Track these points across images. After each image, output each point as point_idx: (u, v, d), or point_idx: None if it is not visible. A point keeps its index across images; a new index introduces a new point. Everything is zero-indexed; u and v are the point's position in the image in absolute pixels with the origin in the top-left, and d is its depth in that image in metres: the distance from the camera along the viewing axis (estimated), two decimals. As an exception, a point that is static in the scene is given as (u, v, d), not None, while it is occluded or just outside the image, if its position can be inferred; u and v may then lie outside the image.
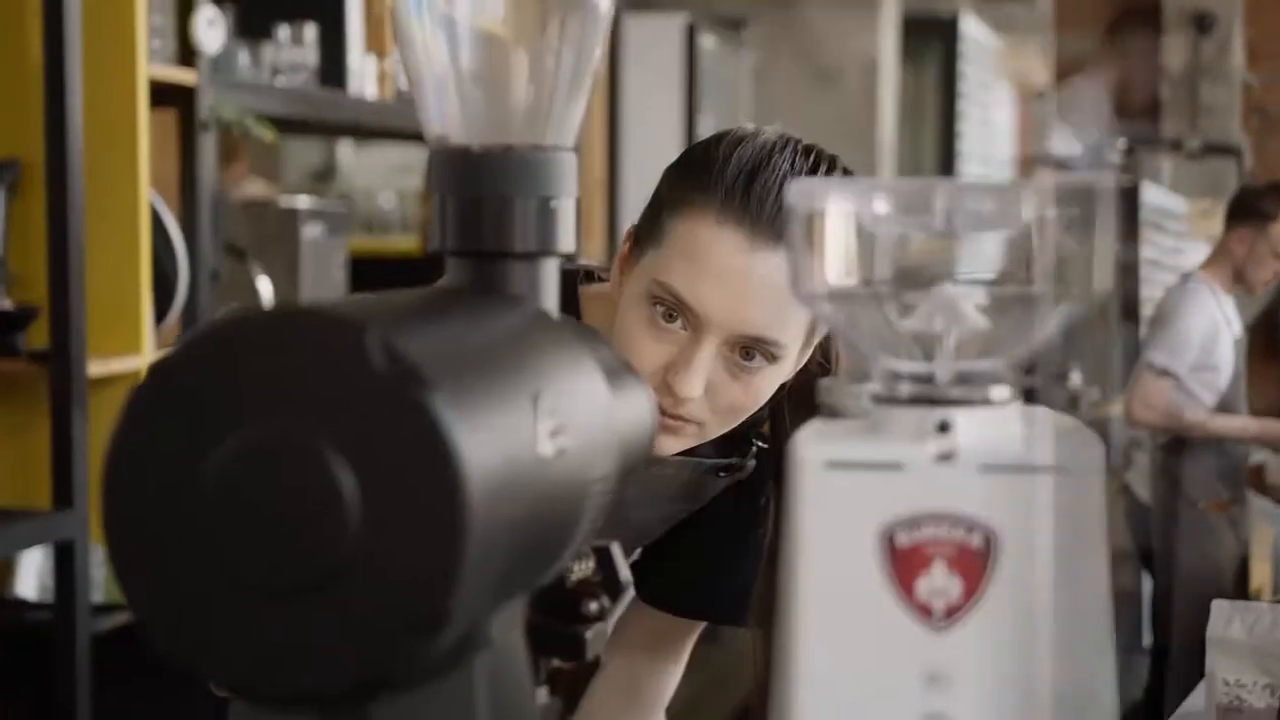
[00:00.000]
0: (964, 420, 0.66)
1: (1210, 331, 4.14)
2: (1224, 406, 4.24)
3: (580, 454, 0.69)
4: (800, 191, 0.67)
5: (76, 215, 2.25)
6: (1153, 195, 7.02)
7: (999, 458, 0.65)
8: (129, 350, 2.40)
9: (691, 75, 4.62)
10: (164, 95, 2.53)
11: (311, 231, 2.98)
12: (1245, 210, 4.24)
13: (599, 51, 0.79)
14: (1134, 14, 4.31)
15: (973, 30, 7.39)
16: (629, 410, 0.79)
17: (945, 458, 0.65)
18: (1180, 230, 7.52)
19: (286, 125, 3.08)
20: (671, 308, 1.21)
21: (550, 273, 0.77)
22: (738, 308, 1.20)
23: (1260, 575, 4.38)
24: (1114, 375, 6.47)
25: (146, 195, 2.41)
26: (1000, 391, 0.67)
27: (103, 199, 2.37)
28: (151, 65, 2.45)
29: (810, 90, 5.31)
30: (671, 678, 1.49)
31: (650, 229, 1.25)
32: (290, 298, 2.85)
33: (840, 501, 0.66)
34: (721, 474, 1.38)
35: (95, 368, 2.31)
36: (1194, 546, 4.15)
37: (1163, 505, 4.36)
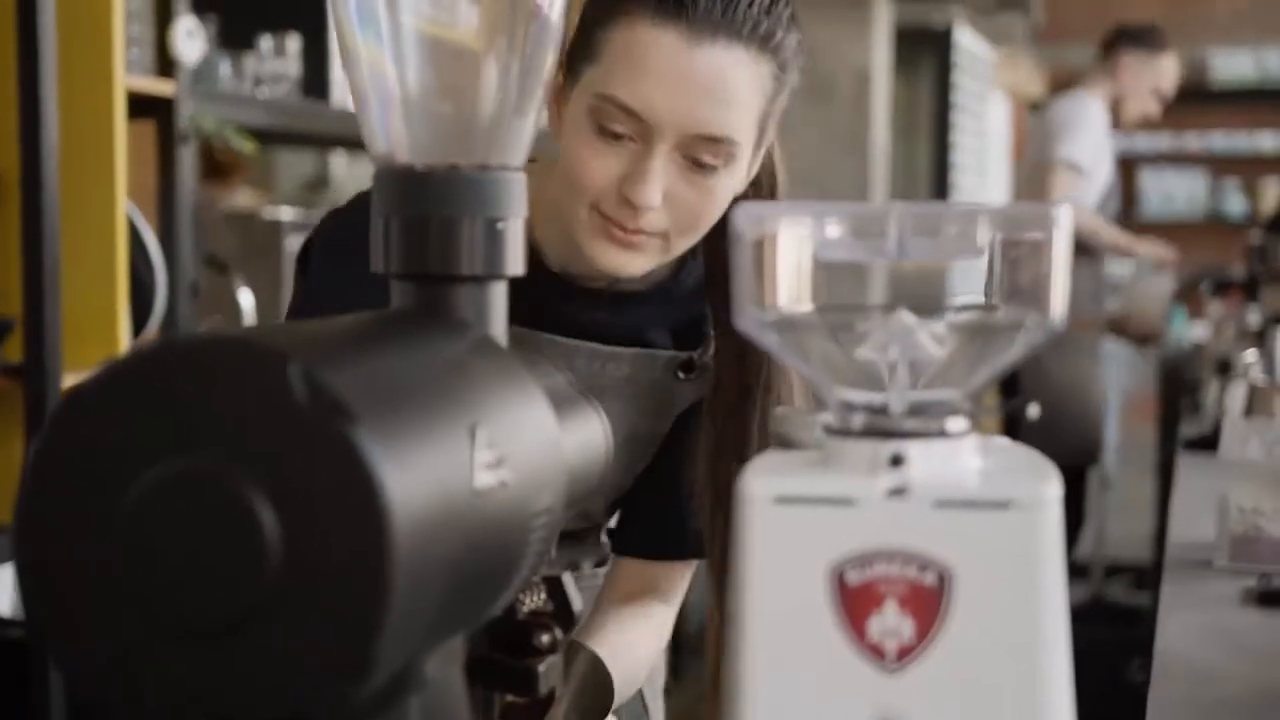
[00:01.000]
0: (918, 453, 0.64)
1: (1102, 133, 4.27)
2: (1099, 213, 4.36)
3: (523, 486, 0.66)
4: (748, 216, 0.65)
5: (52, 227, 2.23)
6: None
7: (953, 493, 0.63)
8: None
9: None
10: (143, 106, 2.50)
11: (295, 243, 2.95)
12: (1135, 39, 4.38)
13: (550, 66, 0.77)
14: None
15: (967, 41, 7.37)
16: (578, 437, 0.76)
17: (897, 493, 0.63)
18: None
19: (269, 136, 3.05)
20: (617, 119, 1.18)
21: (499, 296, 0.74)
22: (686, 107, 1.17)
23: None
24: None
25: (124, 207, 2.38)
26: (956, 423, 0.65)
27: (79, 211, 2.34)
28: (130, 76, 2.42)
29: (803, 101, 5.27)
30: (666, 622, 1.43)
31: (582, 48, 1.22)
32: (273, 310, 2.83)
33: (789, 538, 0.63)
34: (681, 374, 1.36)
35: (71, 381, 2.28)
36: (1066, 363, 4.17)
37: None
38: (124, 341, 2.39)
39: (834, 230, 0.65)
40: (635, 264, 1.23)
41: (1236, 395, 2.81)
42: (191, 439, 0.56)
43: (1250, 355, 2.96)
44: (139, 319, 2.47)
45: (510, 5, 0.75)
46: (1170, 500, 2.43)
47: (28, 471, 0.57)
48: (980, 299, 0.66)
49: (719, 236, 1.25)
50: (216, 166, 3.48)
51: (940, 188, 7.24)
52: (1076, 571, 5.28)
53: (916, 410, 0.65)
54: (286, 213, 3.09)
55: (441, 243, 0.72)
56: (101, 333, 2.37)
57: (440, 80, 0.74)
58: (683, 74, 1.17)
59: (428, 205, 0.72)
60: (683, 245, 1.24)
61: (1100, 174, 4.34)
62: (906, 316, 0.65)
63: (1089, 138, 4.25)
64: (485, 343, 0.71)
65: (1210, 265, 9.45)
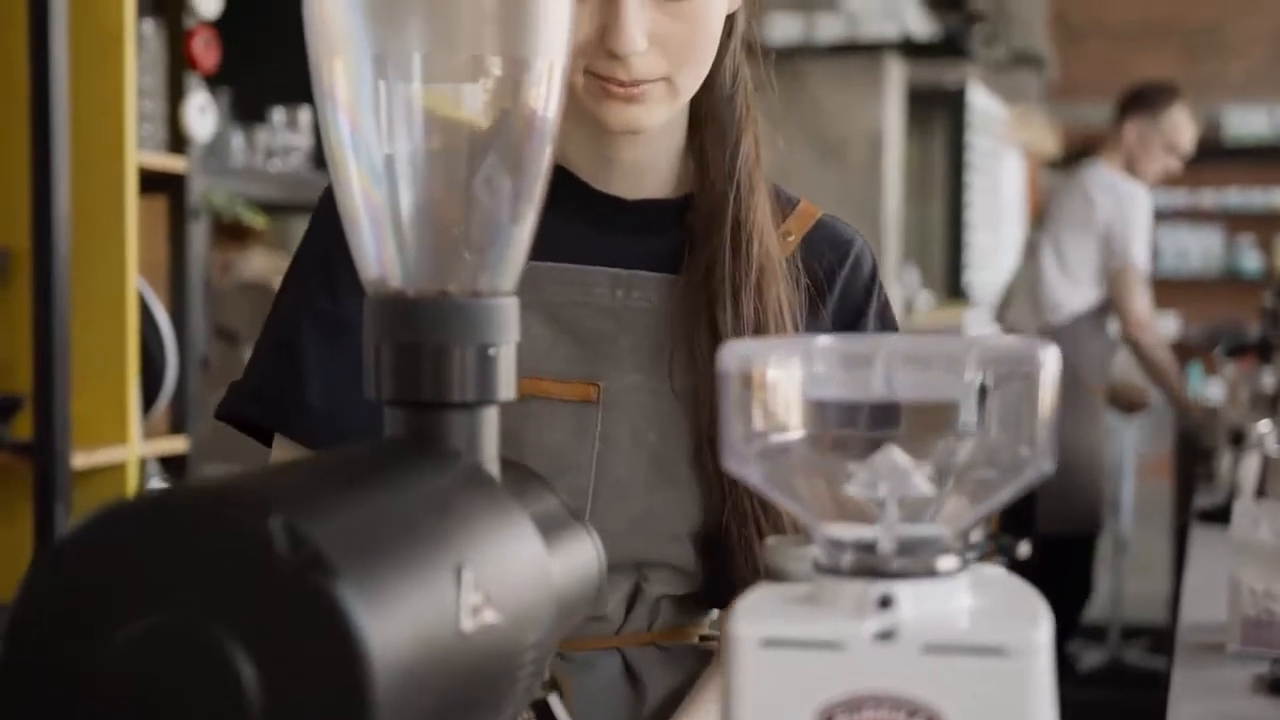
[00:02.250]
0: (907, 594, 0.63)
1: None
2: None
3: (510, 623, 0.66)
4: (734, 353, 0.65)
5: (62, 305, 2.24)
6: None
7: (943, 636, 0.62)
8: (115, 441, 2.38)
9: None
10: (155, 182, 2.52)
11: (306, 314, 2.95)
12: (1138, 102, 4.41)
13: (540, 191, 0.77)
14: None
15: (980, 100, 7.39)
16: (569, 563, 0.76)
17: (886, 636, 0.62)
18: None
19: (281, 207, 3.06)
20: None
21: (490, 422, 0.74)
22: None
23: None
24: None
25: (134, 283, 2.39)
26: (947, 562, 0.64)
27: (90, 287, 2.35)
28: (142, 153, 2.43)
29: (815, 163, 5.30)
30: None
31: None
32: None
33: (777, 681, 0.63)
34: None
35: (80, 459, 2.29)
36: (1077, 430, 4.16)
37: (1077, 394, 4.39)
38: (134, 418, 2.39)
39: (821, 367, 0.65)
40: (647, 116, 1.16)
41: (1250, 467, 2.80)
42: (172, 593, 0.56)
43: (1264, 425, 2.94)
44: (149, 395, 2.47)
45: (504, 117, 0.75)
46: (1184, 572, 2.42)
47: (8, 626, 0.57)
48: (971, 436, 0.66)
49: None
50: (231, 230, 3.50)
51: (954, 247, 7.25)
52: (1093, 634, 5.25)
53: (906, 548, 0.65)
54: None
55: (433, 370, 0.72)
56: (112, 409, 2.38)
57: (433, 205, 0.74)
58: None
59: (419, 332, 0.72)
60: (691, 82, 1.17)
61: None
62: (896, 454, 0.65)
63: (1143, 231, 4.28)
64: (475, 473, 0.71)
65: (1225, 322, 9.46)
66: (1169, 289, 9.96)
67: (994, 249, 8.07)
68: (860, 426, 0.66)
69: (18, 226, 2.29)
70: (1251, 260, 9.87)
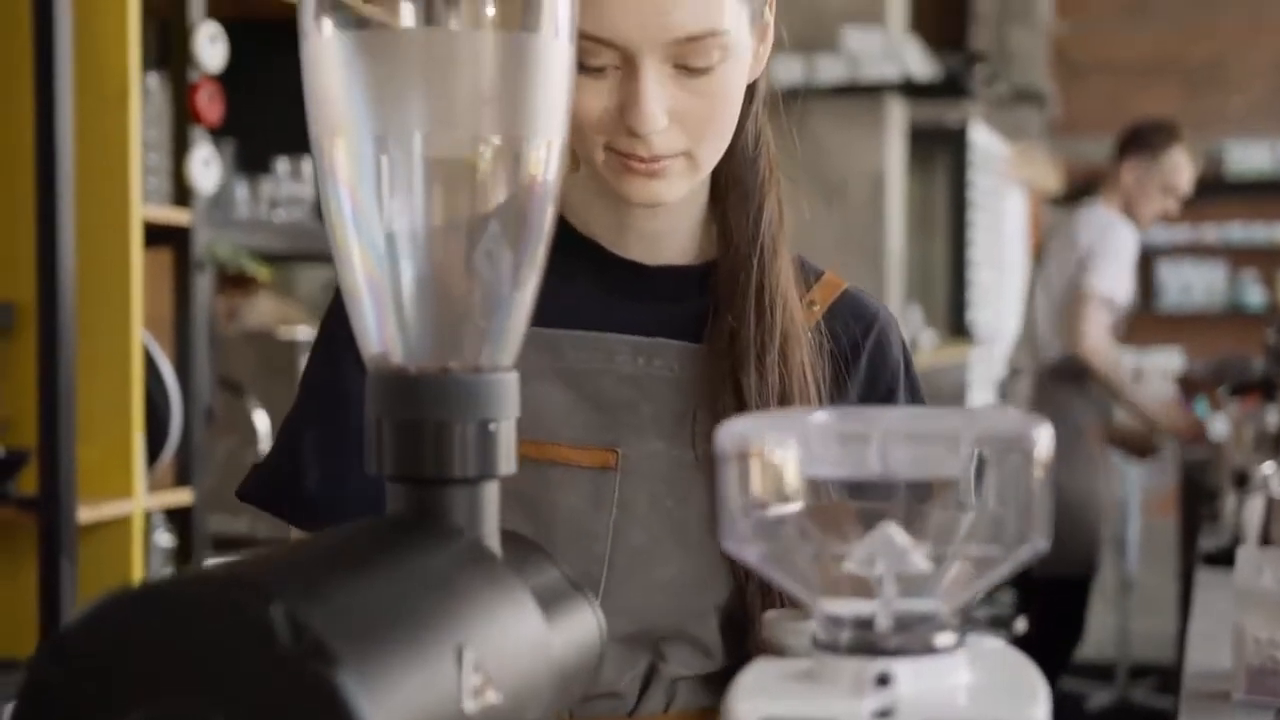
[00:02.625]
0: (905, 671, 0.63)
1: (1131, 268, 4.30)
2: (1113, 329, 4.37)
3: (512, 702, 0.66)
4: (730, 434, 0.65)
5: (68, 360, 2.25)
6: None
7: (942, 714, 0.62)
8: (120, 494, 2.39)
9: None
10: (159, 235, 2.53)
11: (311, 362, 2.96)
12: (1136, 143, 4.40)
13: (540, 262, 0.77)
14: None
15: (982, 138, 7.42)
16: (569, 635, 0.76)
17: (885, 715, 0.62)
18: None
19: (286, 256, 3.08)
20: (593, 53, 1.09)
21: (491, 497, 0.75)
22: (652, 17, 1.08)
23: None
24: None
25: (139, 337, 2.40)
26: (945, 638, 0.65)
27: (95, 341, 2.36)
28: (146, 206, 2.45)
29: (817, 204, 5.30)
30: None
31: None
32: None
33: (777, 759, 0.63)
34: None
35: (86, 513, 2.29)
36: (1071, 473, 4.14)
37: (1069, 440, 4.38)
38: (139, 471, 2.40)
39: (817, 445, 0.65)
40: (668, 191, 1.14)
41: (1255, 509, 2.79)
42: (174, 682, 0.56)
43: (1268, 467, 2.94)
44: (154, 447, 2.48)
45: (505, 193, 0.76)
46: (1189, 616, 2.41)
47: (13, 717, 0.57)
48: (967, 512, 0.66)
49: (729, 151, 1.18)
50: (236, 277, 3.51)
51: (957, 285, 7.26)
52: (1101, 674, 5.24)
53: (903, 624, 0.65)
54: (303, 332, 3.11)
55: (435, 446, 0.73)
56: (117, 463, 2.38)
57: (434, 281, 0.75)
58: None
59: (421, 409, 0.73)
60: (712, 156, 1.16)
61: (1124, 301, 4.37)
62: (893, 530, 0.65)
63: (1125, 269, 4.27)
64: (475, 550, 0.72)
65: (1230, 357, 9.45)
66: (1173, 324, 9.97)
67: (997, 287, 8.08)
68: (857, 502, 0.66)
69: (23, 281, 2.30)
70: (1255, 294, 9.88)
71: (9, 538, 2.34)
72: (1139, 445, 4.73)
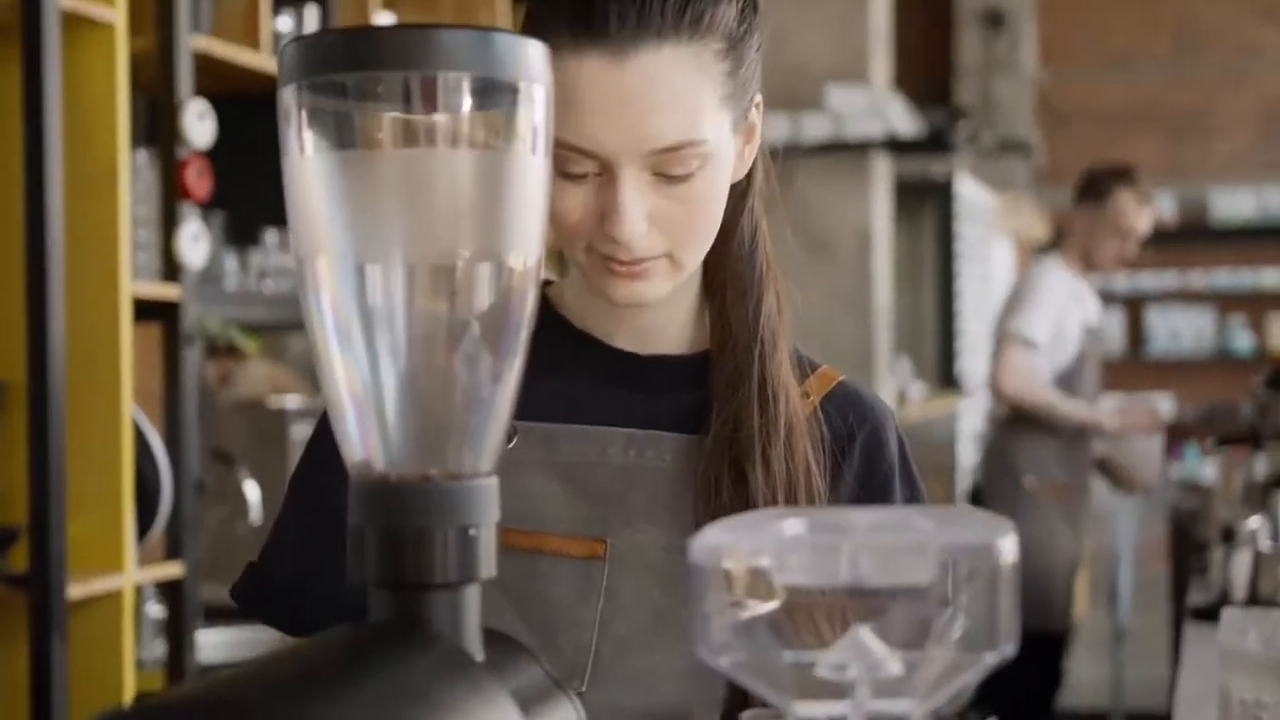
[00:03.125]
0: (878, 775, 0.65)
1: (1063, 307, 4.27)
2: (1061, 387, 4.33)
3: (493, 809, 0.68)
4: (704, 545, 0.67)
5: (58, 437, 2.26)
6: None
7: (913, 818, 0.64)
8: (111, 569, 2.39)
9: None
10: (149, 309, 2.55)
11: (301, 431, 2.98)
12: (1085, 190, 4.43)
13: (518, 371, 0.79)
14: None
15: (968, 190, 7.47)
16: (553, 737, 0.78)
17: (857, 820, 0.64)
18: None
19: (275, 327, 3.10)
20: (572, 161, 1.10)
21: (472, 600, 0.76)
22: (630, 129, 1.09)
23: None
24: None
25: (129, 413, 2.42)
26: (916, 741, 0.66)
27: (85, 417, 2.37)
28: (136, 283, 2.47)
29: (804, 260, 5.34)
30: None
31: None
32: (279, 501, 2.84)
33: None
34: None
35: (76, 589, 2.30)
36: (1022, 528, 4.09)
37: (994, 486, 4.37)
38: (129, 546, 2.41)
39: (791, 556, 0.67)
40: (650, 291, 1.16)
41: (1242, 564, 2.81)
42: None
43: (1254, 521, 2.95)
44: (144, 521, 2.49)
45: (484, 305, 0.78)
46: (1178, 673, 2.42)
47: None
48: (938, 618, 0.68)
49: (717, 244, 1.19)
50: (229, 345, 3.53)
51: (945, 336, 7.29)
52: (1095, 723, 5.24)
53: (876, 729, 0.67)
54: (293, 401, 3.13)
55: (416, 552, 0.74)
56: (107, 538, 2.39)
57: (414, 392, 0.77)
58: (614, 96, 1.09)
59: (402, 516, 0.75)
60: (694, 257, 1.17)
61: (1066, 345, 4.34)
62: (865, 635, 0.67)
63: (1048, 310, 4.27)
64: (456, 656, 0.73)
65: (1219, 403, 9.49)
66: (1162, 370, 10.02)
67: (986, 337, 8.10)
68: (831, 610, 0.68)
69: (13, 358, 2.32)
70: (1243, 340, 9.93)
71: (1, 614, 2.35)
72: (1129, 481, 4.74)
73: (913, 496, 1.27)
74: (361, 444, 0.77)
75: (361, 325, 0.76)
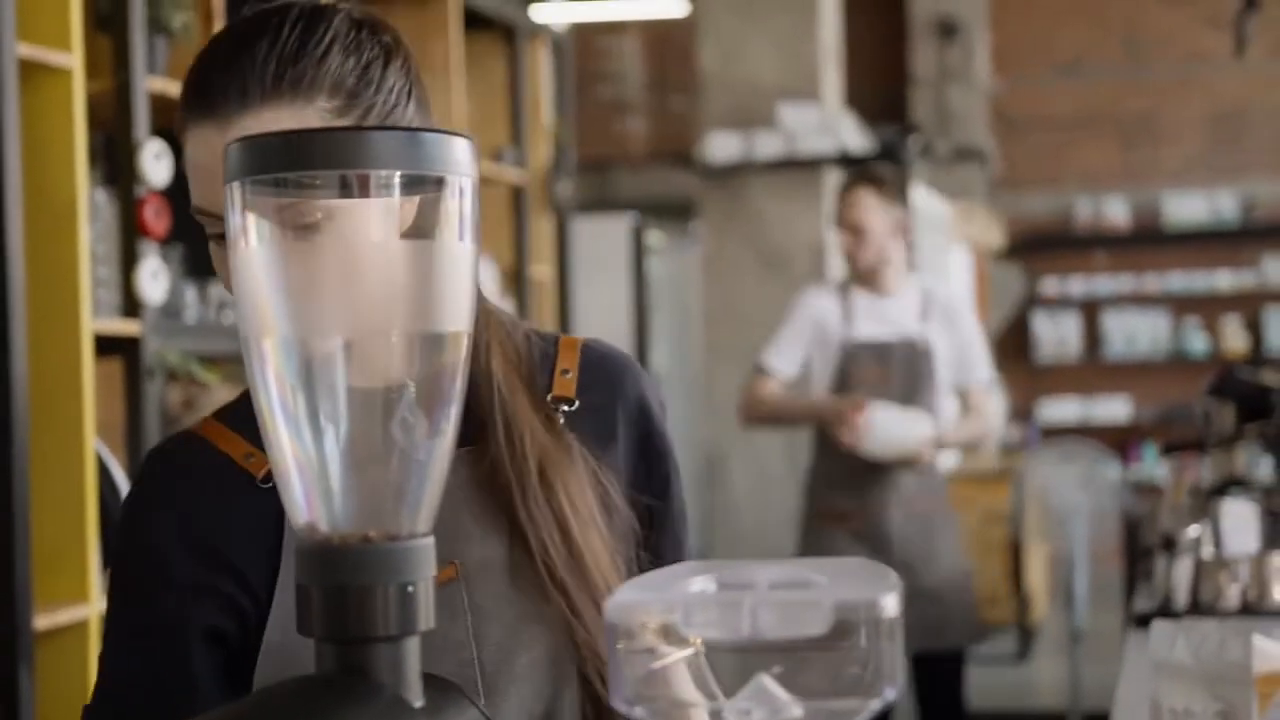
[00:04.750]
0: (778, 811, 0.72)
1: (819, 326, 4.05)
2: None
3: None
4: (617, 606, 0.74)
5: (21, 471, 2.31)
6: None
7: None
8: (76, 600, 2.44)
9: (640, 271, 4.73)
10: (110, 345, 2.60)
11: (262, 458, 3.02)
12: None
13: (451, 439, 0.85)
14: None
15: (922, 200, 7.55)
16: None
17: None
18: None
19: (236, 358, 3.15)
20: (210, 225, 1.18)
21: (412, 651, 0.83)
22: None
23: None
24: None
25: (92, 446, 2.47)
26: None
27: (48, 451, 2.42)
28: (97, 319, 2.52)
29: (758, 275, 5.43)
30: None
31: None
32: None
33: None
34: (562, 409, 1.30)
35: (42, 621, 2.35)
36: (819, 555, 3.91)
37: (801, 527, 4.19)
38: (94, 576, 2.46)
39: (696, 614, 0.74)
40: None
41: (1183, 572, 2.88)
42: None
43: (1194, 530, 3.02)
44: (109, 552, 2.54)
45: (419, 378, 0.85)
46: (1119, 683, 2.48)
47: None
48: (830, 665, 0.74)
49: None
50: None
51: (903, 345, 7.36)
52: (1053, 725, 5.32)
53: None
54: (253, 428, 3.17)
55: (358, 609, 0.81)
56: (71, 568, 2.44)
57: (354, 460, 0.83)
58: (219, 159, 1.10)
59: (345, 575, 0.81)
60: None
61: (823, 360, 4.11)
62: (767, 682, 0.74)
63: (788, 337, 4.11)
64: (397, 705, 0.80)
65: (1175, 404, 9.61)
66: (1119, 373, 10.14)
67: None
68: (733, 661, 0.75)
69: (-24, 395, 2.36)
70: (1199, 342, 10.05)
71: (-33, 648, 2.39)
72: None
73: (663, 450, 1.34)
74: (306, 508, 0.83)
75: (305, 399, 0.82)
